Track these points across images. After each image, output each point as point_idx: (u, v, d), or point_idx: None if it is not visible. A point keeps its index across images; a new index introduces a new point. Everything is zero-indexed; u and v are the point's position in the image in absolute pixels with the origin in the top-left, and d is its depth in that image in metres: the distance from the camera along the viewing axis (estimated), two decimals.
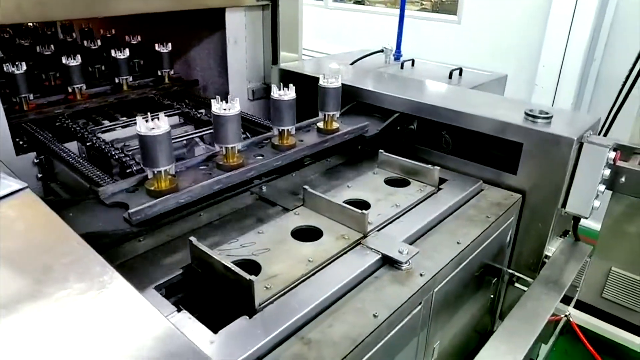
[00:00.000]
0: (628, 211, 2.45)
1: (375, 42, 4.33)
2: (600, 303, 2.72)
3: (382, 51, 3.88)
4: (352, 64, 3.56)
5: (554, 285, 1.90)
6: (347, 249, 1.52)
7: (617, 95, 2.76)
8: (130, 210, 1.43)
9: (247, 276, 1.23)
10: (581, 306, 2.66)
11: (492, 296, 2.14)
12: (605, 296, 2.69)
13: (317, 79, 2.61)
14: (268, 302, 1.28)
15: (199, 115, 2.46)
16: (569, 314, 2.38)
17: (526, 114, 2.00)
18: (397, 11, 4.28)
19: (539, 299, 1.81)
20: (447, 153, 2.21)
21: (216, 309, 1.35)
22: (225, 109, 1.64)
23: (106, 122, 2.39)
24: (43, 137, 2.12)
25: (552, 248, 2.10)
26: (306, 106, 2.69)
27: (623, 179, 2.18)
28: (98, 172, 1.84)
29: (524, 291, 2.22)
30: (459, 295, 1.76)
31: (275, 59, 2.85)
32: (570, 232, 2.26)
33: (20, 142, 2.17)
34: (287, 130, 1.91)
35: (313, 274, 1.40)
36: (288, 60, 2.90)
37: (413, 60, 3.80)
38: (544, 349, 2.49)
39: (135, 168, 1.86)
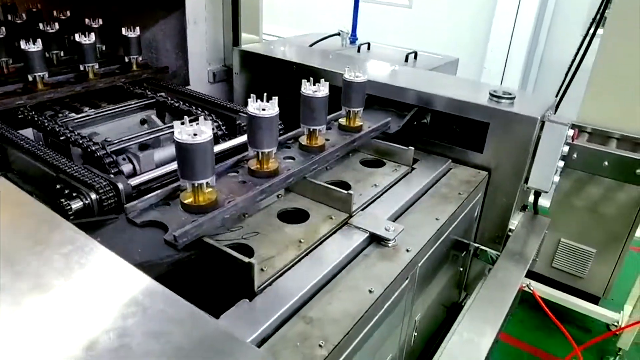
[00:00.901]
0: (576, 185, 2.64)
1: (327, 25, 4.34)
2: (550, 272, 2.92)
3: (338, 34, 3.89)
4: (311, 46, 3.55)
5: (519, 257, 2.02)
6: (335, 228, 1.54)
7: (564, 77, 2.93)
8: (176, 233, 1.22)
9: (246, 259, 1.22)
10: (532, 276, 2.84)
11: (460, 269, 2.24)
12: (555, 265, 2.90)
13: (281, 61, 2.62)
14: (266, 284, 1.28)
15: (176, 105, 2.29)
16: (530, 284, 2.54)
17: (491, 94, 2.09)
18: None
19: (508, 270, 1.92)
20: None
21: (210, 295, 1.33)
22: (263, 109, 1.47)
23: (72, 114, 2.21)
24: None
25: (515, 222, 2.22)
26: (269, 90, 2.68)
27: (575, 155, 2.34)
28: (63, 160, 1.74)
29: (487, 263, 2.36)
30: (435, 269, 1.84)
31: (236, 41, 2.79)
32: (529, 207, 2.40)
33: None
34: (318, 130, 1.76)
35: (306, 255, 1.41)
36: (248, 42, 2.85)
37: (369, 44, 3.84)
38: None
39: (107, 160, 1.75)
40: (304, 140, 1.79)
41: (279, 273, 1.33)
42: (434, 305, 2.04)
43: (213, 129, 2.09)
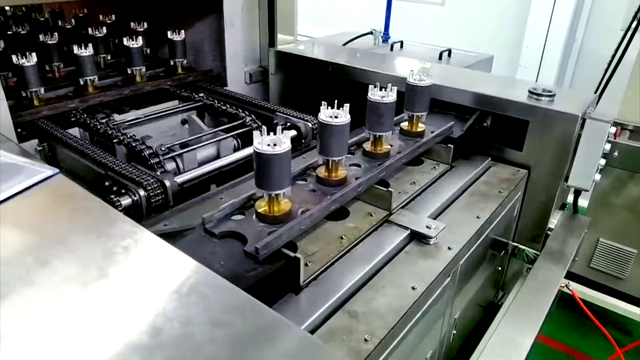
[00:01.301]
0: (616, 184, 2.58)
1: (359, 25, 4.35)
2: (588, 273, 2.86)
3: (371, 33, 3.90)
4: (344, 45, 3.57)
5: (559, 256, 2.00)
6: (376, 225, 1.56)
7: (604, 73, 2.87)
8: (258, 245, 1.21)
9: (292, 254, 1.25)
10: (569, 276, 2.79)
11: (498, 268, 2.22)
12: (593, 266, 2.84)
13: (316, 60, 2.65)
14: (311, 278, 1.31)
15: (224, 108, 2.33)
16: (568, 284, 2.50)
17: (530, 92, 2.07)
18: None
19: (548, 270, 1.90)
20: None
21: (255, 288, 1.36)
22: (335, 117, 1.46)
23: (120, 116, 2.28)
24: (44, 124, 2.05)
25: (554, 221, 2.19)
26: (304, 89, 2.72)
27: (616, 153, 2.29)
28: (111, 158, 1.81)
29: (525, 263, 2.33)
30: (475, 268, 1.83)
31: (272, 42, 2.83)
32: (568, 206, 2.36)
33: (19, 130, 2.10)
34: (385, 136, 1.73)
35: (348, 251, 1.44)
36: (283, 43, 2.89)
37: (402, 42, 3.84)
38: None
39: (156, 159, 1.82)
40: (368, 146, 1.76)
41: (323, 268, 1.35)
42: (472, 304, 2.03)
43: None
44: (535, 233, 2.20)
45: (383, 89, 1.66)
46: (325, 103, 1.48)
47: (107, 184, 1.73)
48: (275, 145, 1.27)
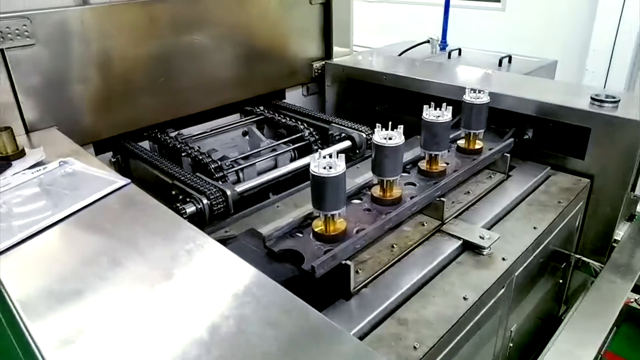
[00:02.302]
0: None
1: (416, 33, 4.34)
2: None
3: (428, 42, 3.89)
4: (400, 54, 3.59)
5: (626, 269, 1.90)
6: (428, 235, 1.57)
7: None
8: (315, 264, 1.25)
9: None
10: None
11: (560, 281, 2.15)
12: None
13: (371, 72, 2.68)
14: (362, 285, 1.35)
15: (283, 121, 2.44)
16: (638, 299, 2.37)
17: (592, 99, 2.00)
18: (436, 1, 4.27)
19: (613, 283, 1.82)
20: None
21: (306, 294, 1.41)
22: (390, 138, 1.49)
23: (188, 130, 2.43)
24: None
25: (620, 232, 2.09)
26: (360, 101, 2.76)
27: None
28: (177, 169, 1.94)
29: (589, 276, 2.23)
30: (533, 279, 1.79)
31: (328, 54, 2.90)
32: (637, 217, 2.24)
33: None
34: (440, 155, 1.74)
35: (399, 260, 1.46)
36: (340, 55, 2.95)
37: (460, 50, 3.80)
38: None
39: (220, 173, 1.93)
40: (423, 165, 1.77)
41: (374, 275, 1.38)
42: (530, 317, 1.98)
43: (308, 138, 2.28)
44: (599, 245, 2.10)
45: (438, 109, 1.67)
46: (380, 125, 1.50)
47: (173, 192, 1.86)
48: (330, 168, 1.32)
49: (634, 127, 1.85)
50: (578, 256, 2.18)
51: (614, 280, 1.84)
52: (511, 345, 1.77)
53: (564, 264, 2.10)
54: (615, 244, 2.07)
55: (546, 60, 3.61)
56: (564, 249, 2.02)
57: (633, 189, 1.98)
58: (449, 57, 3.73)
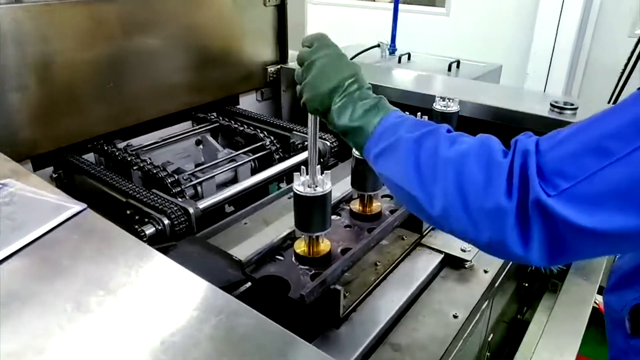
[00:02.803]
0: None
1: (364, 37, 4.34)
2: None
3: (378, 46, 3.88)
4: (351, 59, 3.54)
5: (588, 270, 1.95)
6: (409, 249, 1.52)
7: (617, 83, 2.86)
8: (304, 292, 1.14)
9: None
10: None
11: (525, 284, 2.18)
12: None
13: None
14: (350, 309, 1.27)
15: (241, 129, 2.31)
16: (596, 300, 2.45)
17: (552, 105, 2.03)
18: (382, 5, 4.30)
19: (579, 285, 1.85)
20: None
21: (290, 322, 1.32)
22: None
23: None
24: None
25: None
26: None
27: None
28: (131, 185, 1.77)
29: (552, 281, 2.28)
30: (507, 287, 1.79)
31: (283, 58, 2.80)
32: None
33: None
34: None
35: (384, 278, 1.39)
36: (294, 59, 2.85)
37: (409, 54, 3.82)
38: None
39: (178, 188, 1.78)
40: None
41: (361, 298, 1.31)
42: (500, 323, 1.99)
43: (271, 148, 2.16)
44: None
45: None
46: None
47: (128, 212, 1.69)
48: (317, 187, 1.21)
49: None
50: None
51: (579, 282, 1.88)
52: (488, 354, 1.76)
53: (530, 267, 2.13)
54: None
55: (493, 65, 3.71)
56: None
57: None
58: (399, 61, 3.74)
